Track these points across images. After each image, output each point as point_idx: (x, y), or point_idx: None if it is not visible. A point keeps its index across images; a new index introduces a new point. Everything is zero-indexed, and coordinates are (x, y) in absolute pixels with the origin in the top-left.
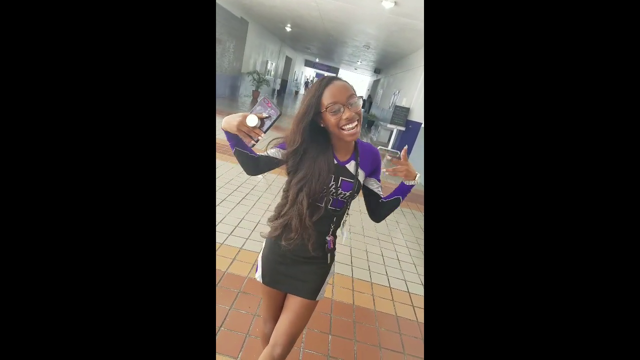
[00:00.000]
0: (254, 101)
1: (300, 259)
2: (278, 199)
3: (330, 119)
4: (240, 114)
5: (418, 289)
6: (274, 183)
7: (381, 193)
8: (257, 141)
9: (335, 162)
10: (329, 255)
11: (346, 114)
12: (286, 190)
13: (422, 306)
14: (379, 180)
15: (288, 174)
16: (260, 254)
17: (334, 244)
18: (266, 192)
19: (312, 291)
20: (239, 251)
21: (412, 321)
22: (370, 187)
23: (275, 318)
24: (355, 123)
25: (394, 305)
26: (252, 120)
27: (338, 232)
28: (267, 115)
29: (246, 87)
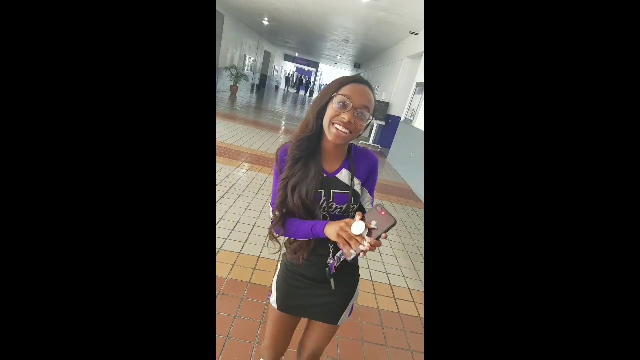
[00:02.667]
0: (233, 97)
1: (315, 284)
2: (259, 196)
3: (332, 108)
4: (344, 220)
5: (400, 281)
6: (265, 184)
7: (369, 208)
8: (357, 254)
9: (325, 175)
10: (331, 281)
11: (347, 116)
12: (284, 179)
13: (404, 298)
14: (372, 194)
15: (288, 165)
16: (275, 279)
17: (338, 268)
18: (246, 191)
19: (333, 318)
20: (219, 252)
21: (395, 313)
22: (361, 200)
23: (279, 349)
24: (348, 132)
25: (376, 299)
26: (358, 228)
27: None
28: (375, 227)
29: (224, 83)
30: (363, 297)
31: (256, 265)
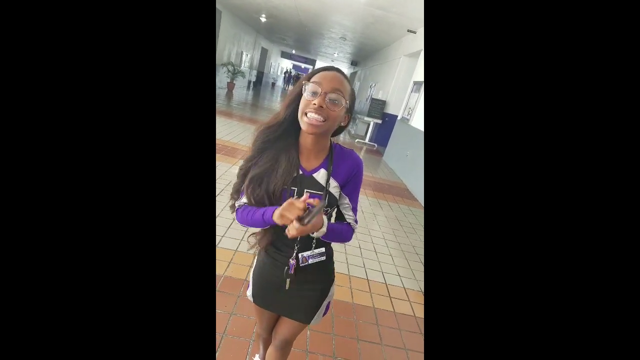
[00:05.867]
0: (229, 93)
1: (284, 283)
2: None
3: (303, 100)
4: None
5: (395, 280)
6: None
7: (350, 215)
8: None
9: (300, 172)
10: (287, 280)
11: (318, 100)
12: (242, 169)
13: (399, 297)
14: (353, 200)
15: (251, 153)
16: (251, 272)
17: (301, 269)
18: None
19: (305, 316)
20: (215, 249)
21: (390, 312)
22: (339, 205)
23: (267, 328)
24: (322, 119)
25: (372, 297)
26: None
27: (308, 254)
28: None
29: (221, 79)
30: (358, 295)
31: (252, 262)
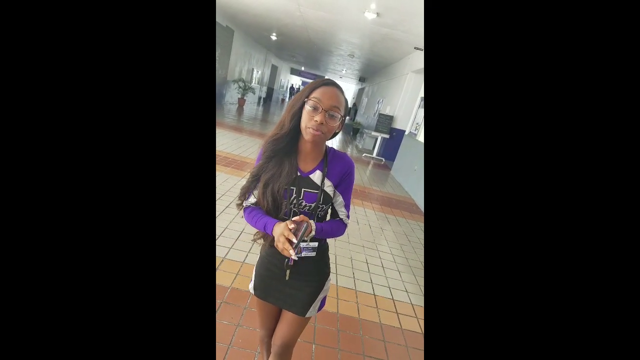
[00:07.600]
0: (240, 109)
1: (284, 275)
2: None
3: (305, 113)
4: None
5: (402, 296)
6: None
7: (342, 211)
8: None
9: (298, 173)
10: (287, 271)
11: (319, 117)
12: (254, 175)
13: (406, 313)
14: (346, 198)
15: (262, 160)
16: (255, 266)
17: (300, 260)
18: None
19: (301, 308)
20: (223, 260)
21: (397, 328)
22: (333, 202)
23: (268, 327)
24: (321, 132)
25: (378, 313)
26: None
27: (304, 245)
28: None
29: (232, 95)
30: (365, 310)
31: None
